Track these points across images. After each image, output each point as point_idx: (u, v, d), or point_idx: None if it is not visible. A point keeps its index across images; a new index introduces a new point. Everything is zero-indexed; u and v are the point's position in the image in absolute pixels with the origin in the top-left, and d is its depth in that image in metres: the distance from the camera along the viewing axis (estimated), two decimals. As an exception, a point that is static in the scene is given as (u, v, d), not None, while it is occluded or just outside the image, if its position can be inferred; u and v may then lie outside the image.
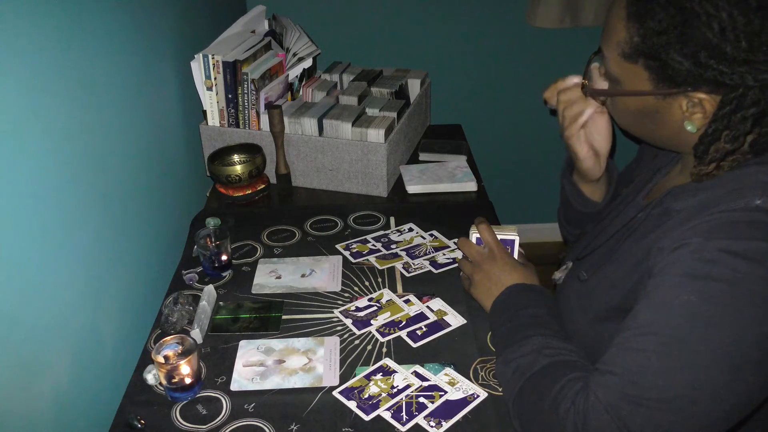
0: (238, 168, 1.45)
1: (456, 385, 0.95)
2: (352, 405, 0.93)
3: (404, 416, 0.90)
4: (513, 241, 1.10)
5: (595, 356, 0.81)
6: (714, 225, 0.71)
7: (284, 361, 1.01)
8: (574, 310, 0.93)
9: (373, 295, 1.15)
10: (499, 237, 1.08)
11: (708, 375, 0.68)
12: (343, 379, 0.98)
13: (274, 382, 0.97)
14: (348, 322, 1.09)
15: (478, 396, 0.94)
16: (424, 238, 1.32)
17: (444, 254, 1.27)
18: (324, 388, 0.96)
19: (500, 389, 0.94)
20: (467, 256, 1.09)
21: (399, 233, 1.34)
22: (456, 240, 1.25)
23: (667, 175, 0.93)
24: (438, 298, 1.14)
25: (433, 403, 0.92)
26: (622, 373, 0.72)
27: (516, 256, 1.10)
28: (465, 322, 1.08)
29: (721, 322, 0.68)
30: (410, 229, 1.35)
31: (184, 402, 0.94)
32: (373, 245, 1.30)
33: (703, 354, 0.68)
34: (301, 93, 1.62)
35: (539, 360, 0.84)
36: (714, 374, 0.68)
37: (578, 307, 0.92)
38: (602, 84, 0.88)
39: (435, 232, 1.33)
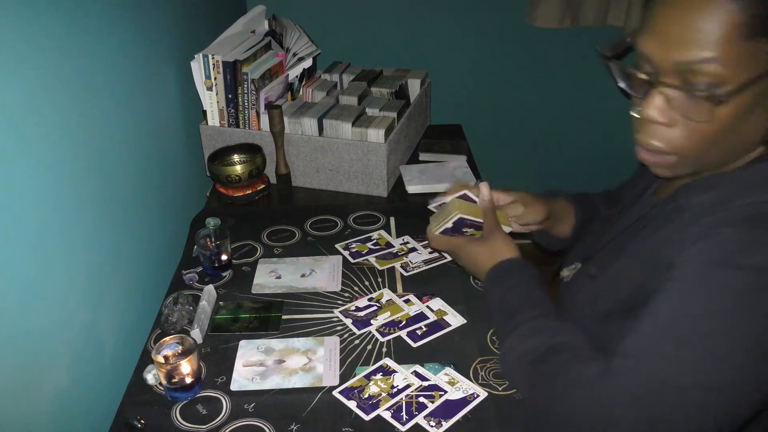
0: (238, 168, 1.45)
1: (456, 385, 0.95)
2: (352, 405, 0.93)
3: (404, 416, 0.90)
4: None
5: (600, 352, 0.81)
6: (741, 216, 0.70)
7: (284, 361, 1.01)
8: (580, 307, 0.92)
9: (373, 295, 1.15)
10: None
11: (732, 364, 0.67)
12: (343, 378, 0.98)
13: (274, 382, 0.97)
14: (348, 322, 1.09)
15: (478, 396, 0.94)
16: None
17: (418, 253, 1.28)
18: (324, 388, 0.96)
19: (507, 382, 0.96)
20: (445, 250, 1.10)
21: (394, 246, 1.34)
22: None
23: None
24: (438, 298, 1.14)
25: (433, 402, 0.92)
26: (644, 361, 0.71)
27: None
28: (465, 321, 1.08)
29: (747, 312, 0.67)
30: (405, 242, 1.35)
31: (184, 402, 0.94)
32: (372, 246, 1.30)
33: (727, 343, 0.67)
34: (301, 93, 1.62)
35: (541, 345, 0.84)
36: (738, 363, 0.67)
37: (586, 304, 0.91)
38: (686, 114, 0.70)
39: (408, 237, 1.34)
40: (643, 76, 0.72)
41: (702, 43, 0.65)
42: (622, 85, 0.76)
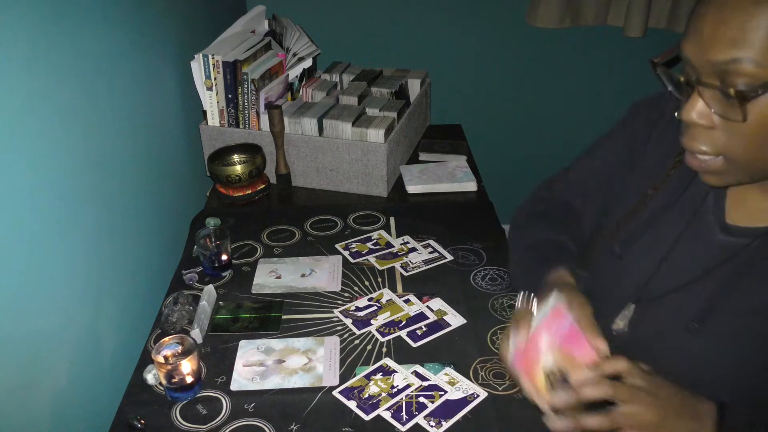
0: (238, 168, 1.45)
1: (456, 385, 0.95)
2: (352, 405, 0.93)
3: (404, 416, 0.90)
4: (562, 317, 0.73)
5: (737, 397, 0.73)
6: None
7: (284, 361, 1.01)
8: (695, 363, 0.77)
9: (373, 295, 1.15)
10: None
11: None
12: (343, 378, 0.98)
13: (274, 382, 0.97)
14: (348, 321, 1.09)
15: (478, 396, 0.94)
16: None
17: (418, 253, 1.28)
18: (324, 388, 0.96)
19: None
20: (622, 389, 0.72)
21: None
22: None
23: (736, 192, 0.80)
24: (438, 298, 1.14)
25: (433, 402, 0.92)
26: None
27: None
28: (465, 321, 1.08)
29: None
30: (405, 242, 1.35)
31: (184, 402, 0.94)
32: (372, 246, 1.30)
33: None
34: (301, 93, 1.62)
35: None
36: None
37: (703, 359, 0.77)
38: (724, 114, 0.68)
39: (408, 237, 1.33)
40: (684, 79, 0.71)
41: (737, 43, 0.64)
42: (671, 89, 0.74)
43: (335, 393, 0.95)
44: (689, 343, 0.77)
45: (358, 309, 1.12)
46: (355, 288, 1.18)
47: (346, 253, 1.28)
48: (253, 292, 1.17)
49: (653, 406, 0.70)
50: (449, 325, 1.08)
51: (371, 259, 1.26)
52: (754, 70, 0.64)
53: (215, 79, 1.46)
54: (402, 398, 0.93)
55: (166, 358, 0.93)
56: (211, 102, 1.50)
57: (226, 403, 0.94)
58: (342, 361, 1.01)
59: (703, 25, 0.67)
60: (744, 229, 0.77)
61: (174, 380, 0.93)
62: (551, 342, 0.71)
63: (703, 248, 0.80)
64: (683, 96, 0.72)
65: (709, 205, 0.81)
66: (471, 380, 0.96)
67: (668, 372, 0.74)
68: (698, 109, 0.69)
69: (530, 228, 1.01)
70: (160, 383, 0.96)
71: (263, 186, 1.51)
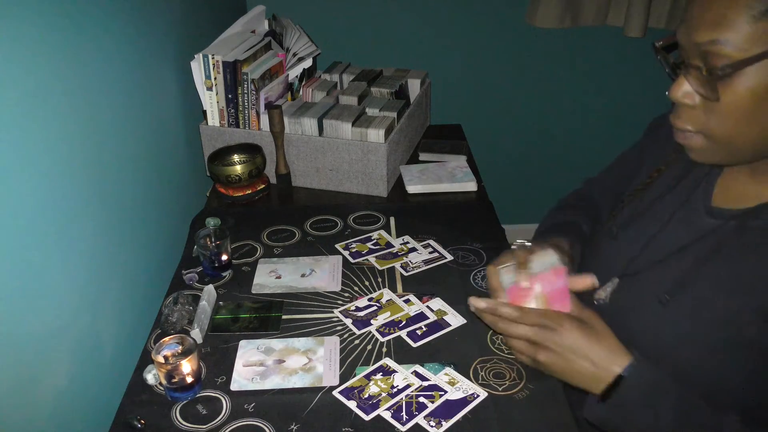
0: (238, 168, 1.45)
1: (456, 385, 0.95)
2: (352, 405, 0.93)
3: (404, 416, 0.90)
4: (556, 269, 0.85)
5: (692, 375, 0.78)
6: None
7: (284, 361, 1.01)
8: (661, 334, 0.82)
9: (373, 295, 1.16)
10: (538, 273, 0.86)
11: None
12: (343, 379, 0.98)
13: (274, 382, 0.97)
14: (348, 321, 1.09)
15: (478, 396, 0.94)
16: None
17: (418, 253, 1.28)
18: (324, 388, 0.96)
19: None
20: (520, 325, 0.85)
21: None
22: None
23: (724, 177, 0.85)
24: (438, 298, 1.14)
25: (433, 402, 0.92)
26: None
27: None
28: (465, 321, 1.08)
29: None
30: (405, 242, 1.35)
31: (184, 402, 0.94)
32: (372, 246, 1.30)
33: None
34: (301, 93, 1.62)
35: None
36: None
37: (669, 331, 0.82)
38: (703, 93, 0.73)
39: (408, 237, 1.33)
40: (675, 62, 0.77)
41: (717, 25, 0.69)
42: (668, 71, 0.80)
43: (335, 393, 0.95)
44: (658, 315, 0.82)
45: (358, 309, 1.12)
46: (355, 288, 1.18)
47: (346, 253, 1.28)
48: (253, 292, 1.17)
49: (572, 336, 0.81)
50: (449, 325, 1.08)
51: (371, 259, 1.26)
52: (732, 51, 0.68)
53: (215, 79, 1.46)
54: (402, 398, 0.93)
55: (166, 358, 0.93)
56: (211, 102, 1.50)
57: (226, 403, 0.94)
58: (342, 361, 1.01)
59: (692, 9, 0.72)
60: (725, 210, 0.82)
61: (174, 380, 0.93)
62: (542, 291, 0.85)
63: (687, 229, 0.85)
64: (675, 78, 0.78)
65: (700, 190, 0.87)
66: (471, 380, 0.96)
67: (638, 345, 0.81)
68: (684, 89, 0.75)
69: (557, 212, 1.16)
70: (160, 383, 0.96)
71: (263, 186, 1.51)
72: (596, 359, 0.80)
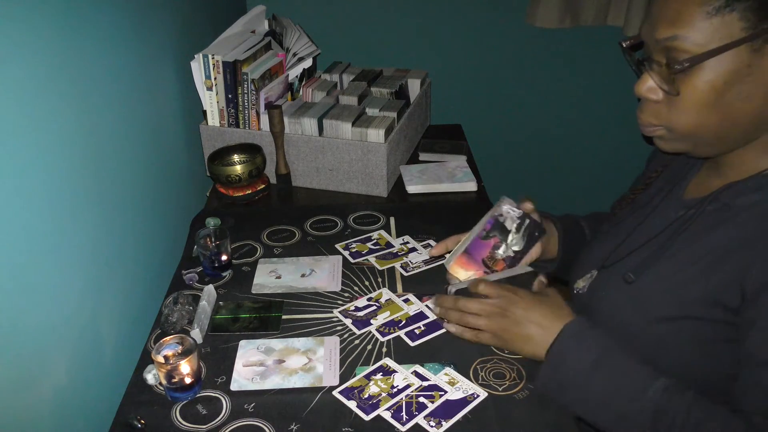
0: (238, 168, 1.45)
1: (456, 385, 0.95)
2: (352, 405, 0.93)
3: (404, 416, 0.90)
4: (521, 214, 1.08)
5: (655, 356, 0.81)
6: None
7: (284, 361, 1.01)
8: (623, 314, 0.89)
9: (373, 295, 1.15)
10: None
11: None
12: (343, 379, 0.98)
13: (274, 382, 0.97)
14: (348, 321, 1.09)
15: (478, 396, 0.94)
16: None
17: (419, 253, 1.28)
18: (324, 388, 0.96)
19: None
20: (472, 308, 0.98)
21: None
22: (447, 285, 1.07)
23: (698, 173, 0.92)
24: (438, 298, 1.14)
25: (433, 402, 0.92)
26: None
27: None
28: (465, 321, 1.08)
29: None
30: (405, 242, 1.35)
31: (184, 402, 0.94)
32: (372, 246, 1.30)
33: None
34: (301, 93, 1.62)
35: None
36: None
37: (630, 310, 0.88)
38: (664, 88, 0.78)
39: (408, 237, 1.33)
40: (638, 58, 0.81)
41: (676, 22, 0.73)
42: (633, 69, 0.84)
43: (335, 393, 0.95)
44: (624, 293, 0.89)
45: (357, 309, 1.12)
46: (355, 288, 1.18)
47: (346, 253, 1.28)
48: (253, 292, 1.17)
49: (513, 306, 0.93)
50: (449, 325, 1.08)
51: (371, 259, 1.26)
52: (691, 47, 0.73)
53: (215, 79, 1.46)
54: (402, 398, 0.93)
55: (166, 358, 0.93)
56: (211, 102, 1.50)
57: (226, 403, 0.94)
58: (342, 361, 1.01)
59: (653, 7, 0.77)
60: (690, 200, 0.89)
61: (174, 380, 0.93)
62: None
63: (661, 220, 0.91)
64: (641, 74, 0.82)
65: (680, 187, 0.94)
66: (471, 380, 0.96)
67: (609, 328, 0.88)
68: (647, 85, 0.80)
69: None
70: (160, 383, 0.96)
71: (263, 186, 1.51)
72: (544, 322, 0.90)
